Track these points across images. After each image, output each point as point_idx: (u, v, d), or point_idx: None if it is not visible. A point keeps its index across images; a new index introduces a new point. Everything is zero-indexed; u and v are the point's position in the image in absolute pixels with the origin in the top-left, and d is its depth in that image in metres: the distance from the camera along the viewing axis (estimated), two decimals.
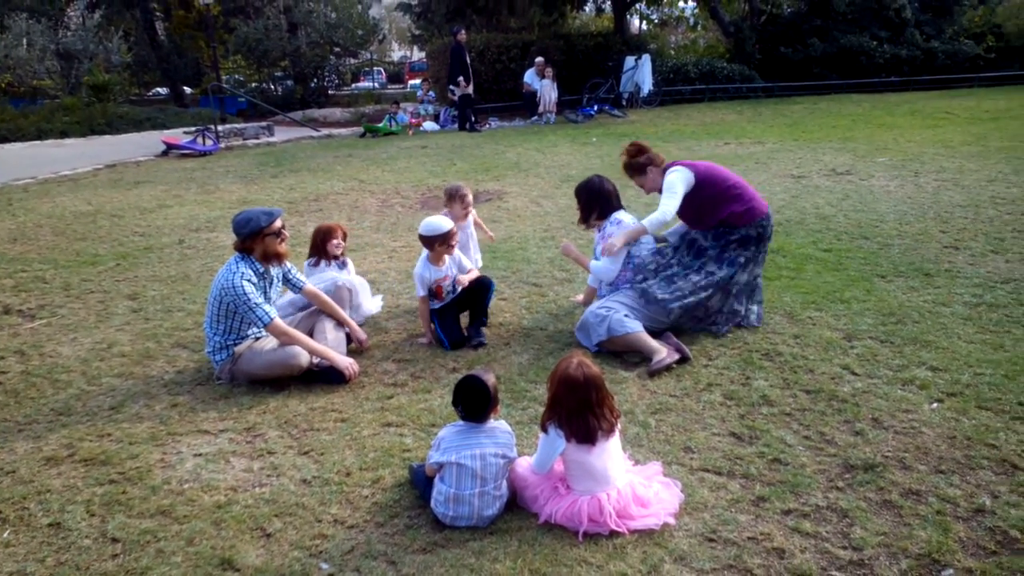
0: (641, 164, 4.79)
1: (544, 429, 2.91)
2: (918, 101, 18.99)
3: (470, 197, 5.32)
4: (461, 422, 2.99)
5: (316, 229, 5.12)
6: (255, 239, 4.16)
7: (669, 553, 2.66)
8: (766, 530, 2.77)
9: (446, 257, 4.68)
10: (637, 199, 7.17)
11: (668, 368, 4.11)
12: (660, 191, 4.70)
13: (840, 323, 4.69)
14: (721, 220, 4.62)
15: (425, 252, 4.66)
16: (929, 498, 2.91)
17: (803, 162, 10.75)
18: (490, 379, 2.96)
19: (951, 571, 2.52)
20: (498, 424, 3.02)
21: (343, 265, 5.11)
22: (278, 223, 4.21)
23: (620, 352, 4.36)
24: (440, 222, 4.59)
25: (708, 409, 3.72)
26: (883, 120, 15.42)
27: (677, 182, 4.58)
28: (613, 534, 2.76)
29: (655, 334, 4.34)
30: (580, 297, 5.26)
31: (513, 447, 2.99)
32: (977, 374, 3.90)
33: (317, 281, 4.75)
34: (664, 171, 4.74)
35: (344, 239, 5.12)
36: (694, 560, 2.63)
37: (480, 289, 4.72)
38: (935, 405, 3.63)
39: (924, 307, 4.88)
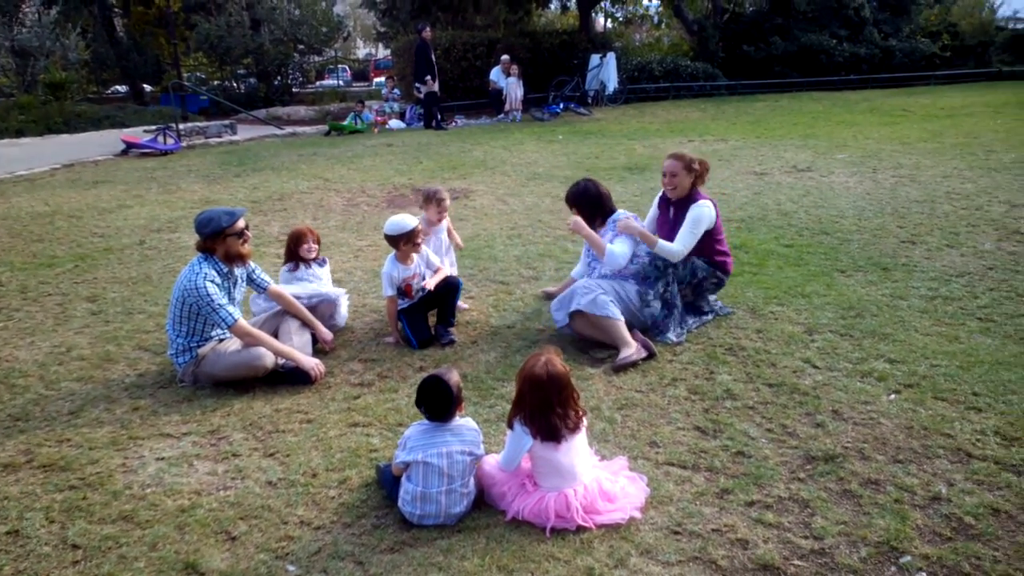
0: (697, 173, 4.64)
1: (510, 426, 2.92)
2: (876, 99, 19.36)
3: (447, 202, 5.19)
4: (427, 421, 2.99)
5: (289, 234, 5.10)
6: (216, 239, 4.11)
7: (635, 547, 2.69)
8: (730, 522, 2.81)
9: (414, 255, 4.67)
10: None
11: (634, 365, 4.15)
12: (683, 200, 4.66)
13: (801, 317, 4.77)
14: (716, 262, 4.70)
15: (393, 252, 4.65)
16: (887, 487, 2.98)
17: (765, 159, 10.90)
18: (453, 378, 2.96)
19: (909, 558, 2.58)
20: (464, 422, 3.02)
21: (323, 263, 5.10)
22: (240, 223, 4.16)
23: (588, 343, 4.40)
24: (404, 220, 4.57)
25: (673, 404, 3.76)
26: (843, 117, 15.69)
27: (704, 219, 4.57)
28: (580, 529, 2.78)
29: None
30: (553, 288, 5.26)
31: (480, 444, 3.00)
32: (933, 365, 4.00)
33: (300, 290, 4.71)
34: (693, 190, 4.67)
35: (317, 243, 5.09)
36: (660, 553, 2.66)
37: (448, 289, 4.71)
38: (893, 396, 3.71)
39: (882, 301, 4.98)
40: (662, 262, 4.58)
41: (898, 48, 24.40)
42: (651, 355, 4.24)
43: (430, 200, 5.12)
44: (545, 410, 2.85)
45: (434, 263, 4.81)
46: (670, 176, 4.63)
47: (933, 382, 3.82)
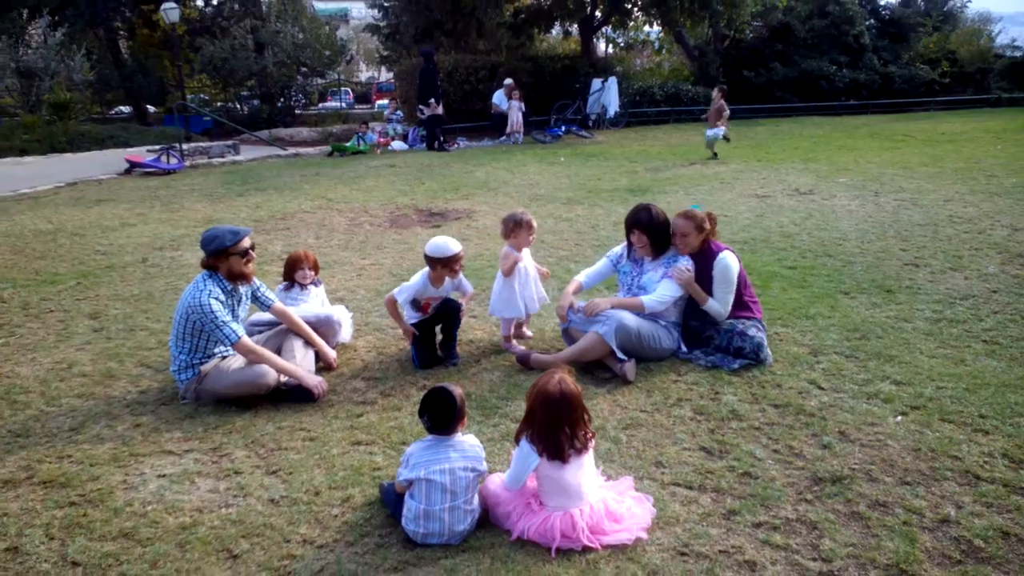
0: (708, 231, 4.57)
1: (518, 442, 2.90)
2: (877, 124, 19.46)
3: (535, 223, 4.81)
4: (429, 437, 2.96)
5: (287, 258, 5.10)
6: (220, 257, 4.11)
7: (642, 568, 2.66)
8: (737, 543, 2.78)
9: (447, 279, 4.61)
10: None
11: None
12: (701, 254, 4.55)
13: (806, 339, 4.76)
14: (746, 310, 4.62)
15: (426, 270, 4.57)
16: (896, 509, 2.95)
17: (767, 182, 10.93)
18: (457, 391, 2.94)
19: None
20: (466, 438, 3.00)
21: (316, 284, 5.08)
22: (245, 242, 4.16)
23: (593, 364, 4.38)
24: (448, 244, 4.48)
25: (678, 424, 3.73)
26: (843, 142, 15.76)
27: (731, 270, 4.50)
28: (586, 549, 2.75)
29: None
30: (572, 288, 4.79)
31: (483, 460, 2.97)
32: (939, 388, 3.98)
33: (302, 311, 4.70)
34: (707, 243, 4.58)
35: (315, 269, 5.05)
36: (667, 574, 2.62)
37: (448, 312, 4.63)
38: (899, 418, 3.68)
39: (887, 323, 4.97)
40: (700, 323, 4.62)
41: (898, 74, 24.63)
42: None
43: (520, 225, 4.68)
44: (554, 428, 2.82)
45: (467, 289, 4.75)
46: (681, 236, 4.54)
47: (940, 404, 3.79)
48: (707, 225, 4.56)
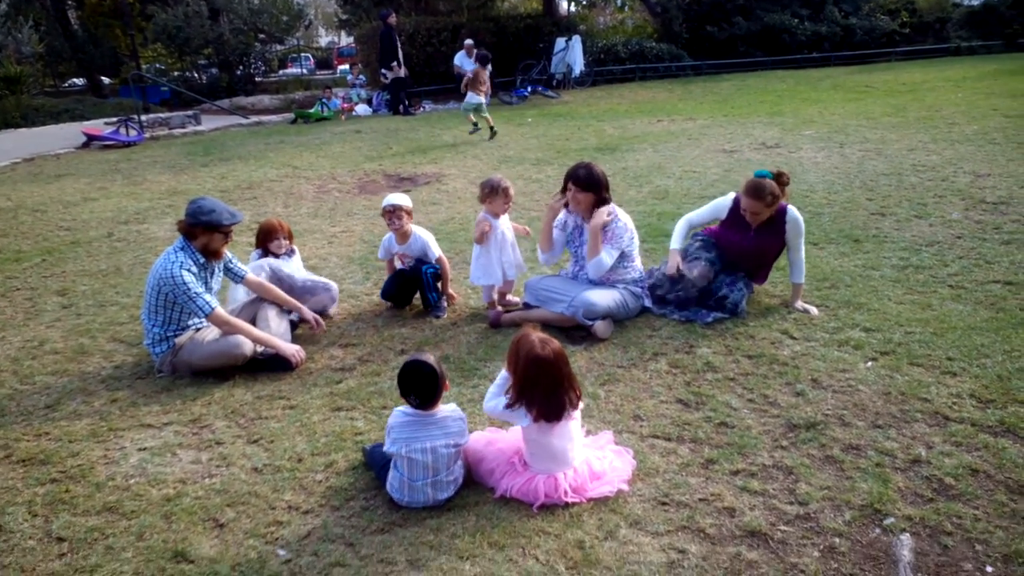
0: (776, 202, 4.39)
1: (511, 407, 2.86)
2: (839, 76, 19.56)
3: (512, 191, 4.79)
4: (411, 409, 2.91)
5: (260, 226, 5.01)
6: (208, 230, 4.09)
7: (624, 518, 2.72)
8: (716, 491, 2.84)
9: (410, 237, 4.87)
10: None
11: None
12: (765, 224, 4.47)
13: (777, 290, 4.83)
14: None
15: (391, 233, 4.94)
16: (868, 452, 3.03)
17: (734, 137, 10.98)
18: (431, 359, 2.91)
19: (892, 519, 2.63)
20: (450, 412, 2.96)
21: (291, 254, 5.00)
22: (234, 227, 4.21)
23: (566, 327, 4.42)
24: (390, 197, 4.83)
25: (655, 378, 3.79)
26: (808, 95, 15.84)
27: (802, 224, 4.49)
28: (568, 504, 2.80)
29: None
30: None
31: (465, 433, 2.96)
32: (908, 333, 4.07)
33: (300, 275, 4.82)
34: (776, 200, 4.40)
35: (289, 238, 4.99)
36: (648, 524, 2.68)
37: (414, 276, 4.82)
38: (870, 364, 3.77)
39: (855, 271, 5.06)
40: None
41: (858, 26, 24.68)
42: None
43: (496, 191, 4.67)
44: (556, 389, 2.81)
45: (431, 254, 4.86)
46: (752, 215, 4.43)
47: (908, 349, 3.89)
48: (779, 194, 4.36)
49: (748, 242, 4.54)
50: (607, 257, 4.41)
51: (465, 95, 12.30)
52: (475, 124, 12.32)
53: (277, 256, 4.90)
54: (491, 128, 12.08)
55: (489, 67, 13.21)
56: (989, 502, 2.70)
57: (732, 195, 4.64)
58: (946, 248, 5.42)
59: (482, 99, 12.21)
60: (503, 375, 2.95)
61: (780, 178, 4.42)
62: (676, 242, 4.68)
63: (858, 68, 21.78)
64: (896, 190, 7.19)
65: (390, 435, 2.91)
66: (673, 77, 21.90)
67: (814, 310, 4.44)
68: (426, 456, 2.83)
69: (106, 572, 2.56)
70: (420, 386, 2.87)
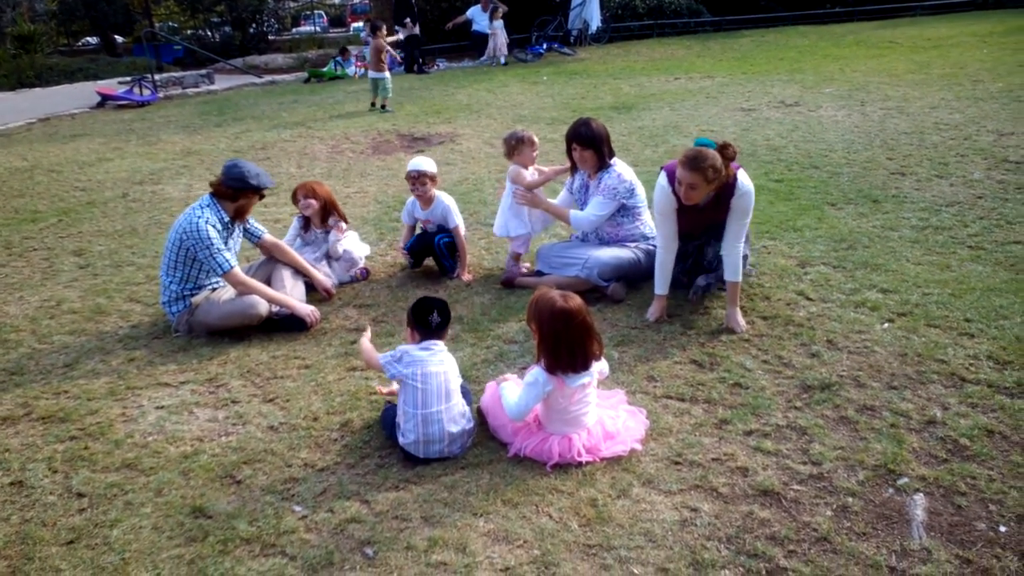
0: (718, 179, 3.65)
1: (550, 370, 2.82)
2: (862, 31, 19.12)
3: (536, 139, 4.68)
4: (423, 341, 3.01)
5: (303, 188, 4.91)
6: (247, 193, 4.16)
7: (637, 477, 2.73)
8: (729, 451, 2.85)
9: (433, 203, 4.81)
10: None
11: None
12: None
13: (794, 251, 4.78)
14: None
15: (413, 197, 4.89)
16: (883, 412, 3.02)
17: (752, 95, 10.80)
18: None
19: (906, 479, 2.62)
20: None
21: (331, 233, 4.87)
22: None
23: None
24: (415, 161, 4.75)
25: (669, 339, 3.78)
26: (829, 51, 15.51)
27: (751, 201, 3.84)
28: (582, 463, 2.81)
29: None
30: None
31: (470, 400, 3.12)
32: (925, 294, 4.03)
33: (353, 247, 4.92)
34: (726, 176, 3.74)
35: (312, 195, 4.82)
36: (661, 483, 2.69)
37: (429, 242, 4.83)
38: (886, 325, 3.74)
39: (873, 232, 4.99)
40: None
41: None
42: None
43: (522, 142, 4.57)
44: (583, 340, 2.81)
45: (450, 221, 4.77)
46: (688, 189, 3.66)
47: (926, 310, 3.85)
48: (721, 169, 3.62)
49: (701, 221, 4.00)
50: (595, 207, 4.39)
51: (483, 50, 11.88)
52: (382, 105, 11.49)
53: (308, 218, 4.88)
54: (374, 104, 11.59)
55: (502, 23, 12.86)
56: (1004, 463, 2.68)
57: (662, 174, 3.93)
58: (967, 208, 5.33)
59: (386, 75, 11.52)
60: (505, 386, 3.01)
61: (725, 151, 3.64)
62: (660, 287, 4.02)
63: (882, 23, 21.26)
64: (917, 149, 7.07)
65: (402, 360, 2.94)
66: (692, 33, 21.46)
67: (743, 324, 3.79)
68: (440, 379, 2.90)
69: (126, 527, 2.60)
70: (439, 308, 3.01)
